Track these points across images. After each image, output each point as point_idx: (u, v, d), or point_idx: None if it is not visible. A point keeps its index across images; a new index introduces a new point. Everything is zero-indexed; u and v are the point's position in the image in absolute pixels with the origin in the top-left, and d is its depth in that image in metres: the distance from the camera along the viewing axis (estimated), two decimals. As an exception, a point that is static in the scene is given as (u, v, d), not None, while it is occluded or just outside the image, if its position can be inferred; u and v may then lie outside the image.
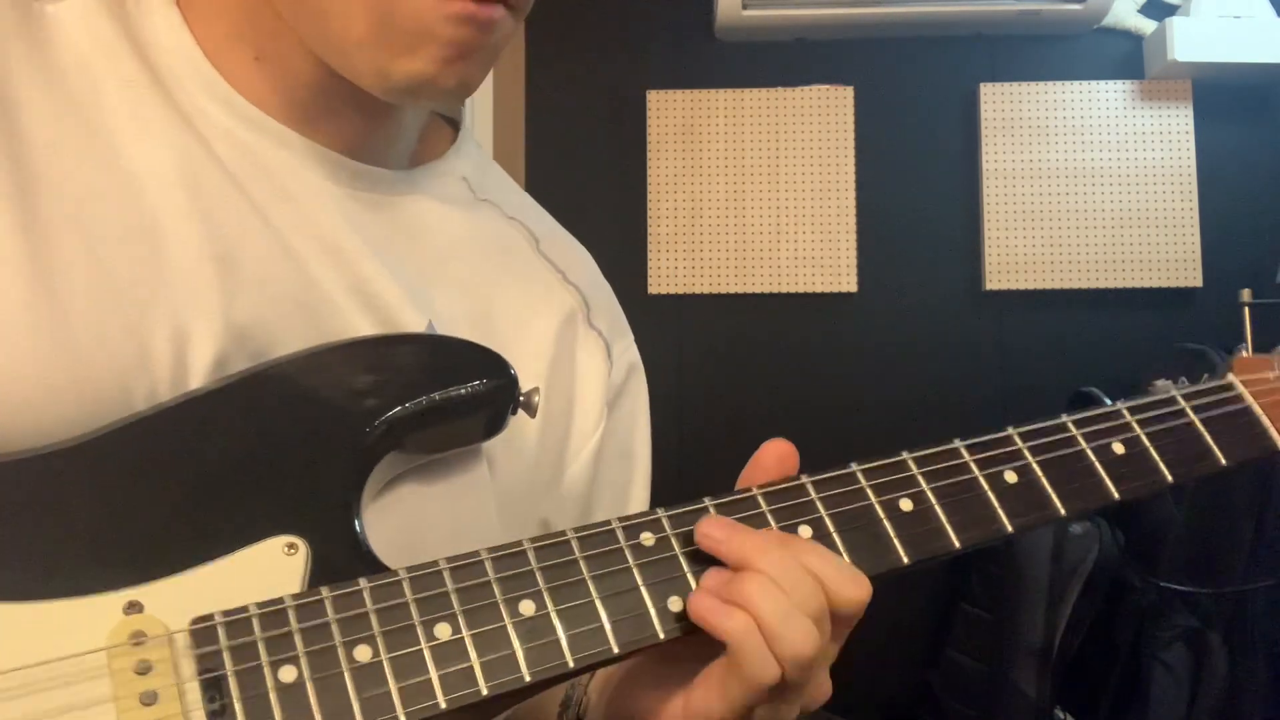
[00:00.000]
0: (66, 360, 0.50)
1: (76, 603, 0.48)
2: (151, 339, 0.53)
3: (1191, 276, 2.19)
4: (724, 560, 0.53)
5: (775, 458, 0.58)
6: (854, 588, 0.52)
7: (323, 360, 0.56)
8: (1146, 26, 2.22)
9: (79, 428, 0.50)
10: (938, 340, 2.24)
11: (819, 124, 2.25)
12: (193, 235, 0.55)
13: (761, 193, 2.25)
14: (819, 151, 2.25)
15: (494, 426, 0.59)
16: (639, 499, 0.75)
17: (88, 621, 0.47)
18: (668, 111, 2.25)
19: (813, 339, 2.25)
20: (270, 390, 0.54)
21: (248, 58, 0.59)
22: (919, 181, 2.26)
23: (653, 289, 2.22)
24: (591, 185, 2.21)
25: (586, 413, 0.70)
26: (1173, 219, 2.21)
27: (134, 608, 0.48)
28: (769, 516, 0.56)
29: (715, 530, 0.53)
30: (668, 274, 2.23)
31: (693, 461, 1.95)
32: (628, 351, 0.74)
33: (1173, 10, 2.19)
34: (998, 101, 2.23)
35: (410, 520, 0.57)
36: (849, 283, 2.23)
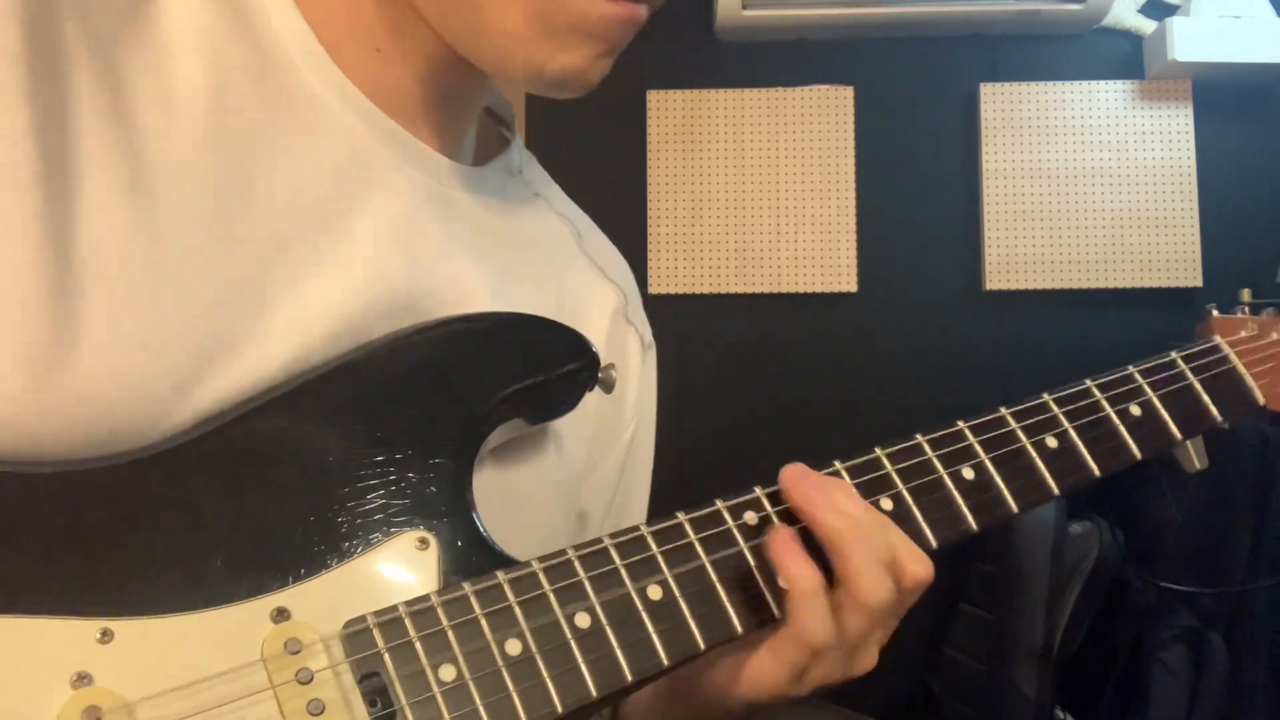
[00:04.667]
0: (193, 360, 0.49)
1: (224, 612, 0.46)
2: (271, 335, 0.52)
3: (1191, 276, 2.19)
4: (807, 510, 0.55)
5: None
6: (920, 566, 0.55)
7: (419, 344, 0.55)
8: (1146, 26, 2.22)
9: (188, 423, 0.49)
10: (938, 340, 2.23)
11: (819, 124, 2.25)
12: (307, 230, 0.54)
13: (761, 193, 2.25)
14: (819, 151, 2.25)
15: (569, 404, 0.60)
16: (644, 497, 0.77)
17: (239, 632, 0.46)
18: (668, 111, 2.25)
19: (813, 339, 2.25)
20: (372, 378, 0.53)
21: (369, 49, 0.58)
22: (919, 181, 2.26)
23: (653, 289, 2.22)
24: (591, 185, 2.20)
25: (626, 405, 0.72)
26: (1173, 219, 2.20)
27: (282, 614, 0.47)
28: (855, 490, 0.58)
29: (797, 474, 0.56)
30: (668, 274, 2.23)
31: (693, 460, 1.95)
32: (651, 351, 0.76)
33: (1173, 10, 2.19)
34: (998, 101, 2.23)
35: (484, 504, 0.57)
36: (849, 283, 2.23)
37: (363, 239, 0.56)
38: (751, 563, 0.55)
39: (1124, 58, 2.25)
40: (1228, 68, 2.13)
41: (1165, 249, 2.20)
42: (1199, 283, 2.19)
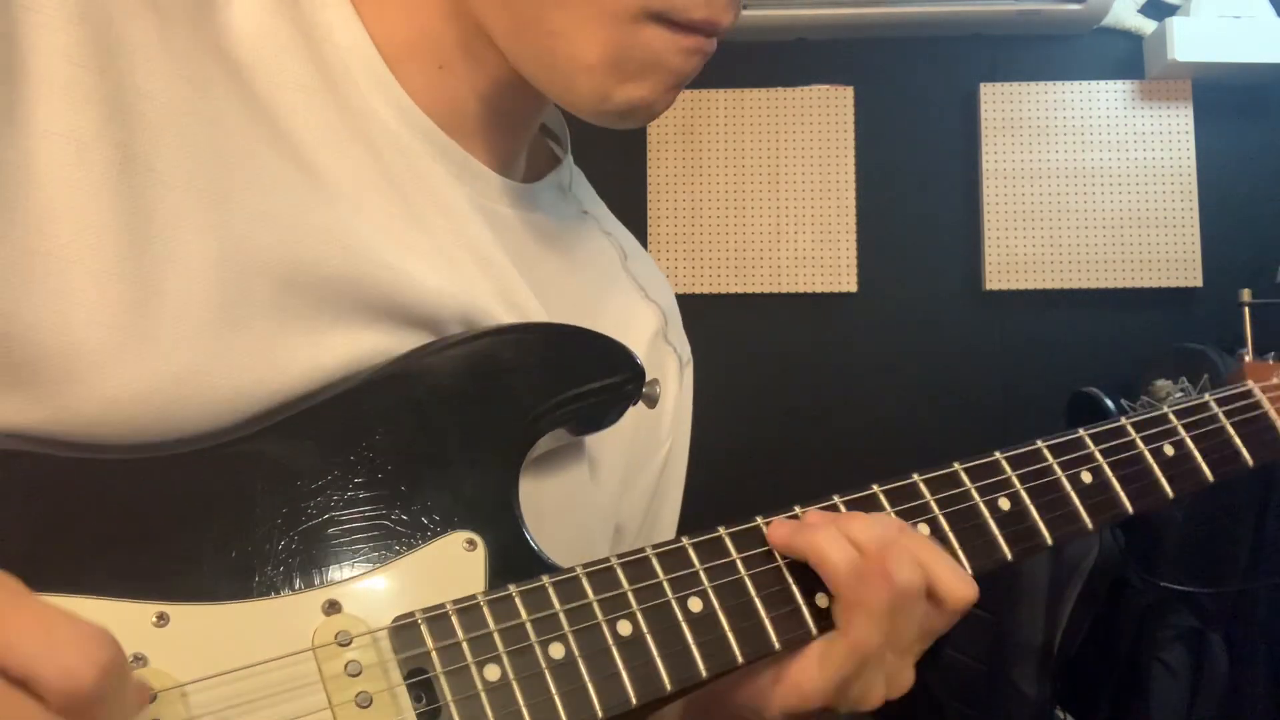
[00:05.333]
0: (255, 361, 0.50)
1: (277, 602, 0.47)
2: (329, 340, 0.52)
3: (1191, 276, 2.19)
4: (806, 556, 0.55)
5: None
6: (964, 586, 0.55)
7: (471, 350, 0.56)
8: (1146, 26, 2.22)
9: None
10: (938, 340, 2.24)
11: (819, 124, 2.25)
12: (371, 242, 0.55)
13: (761, 193, 2.25)
14: (819, 151, 2.25)
15: (614, 416, 0.61)
16: (674, 513, 0.77)
17: (291, 621, 0.47)
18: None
19: (813, 339, 2.25)
20: (425, 382, 0.54)
21: (431, 66, 0.58)
22: (919, 181, 2.26)
23: (653, 289, 2.22)
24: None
25: (663, 424, 0.73)
26: (1173, 219, 2.21)
27: (334, 607, 0.48)
28: (892, 516, 0.59)
29: (781, 530, 0.56)
30: (668, 274, 2.23)
31: (692, 461, 1.95)
32: (688, 369, 0.76)
33: (1173, 10, 2.19)
34: (998, 101, 2.23)
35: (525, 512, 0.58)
36: (849, 283, 2.23)
37: (413, 253, 0.57)
38: (790, 579, 0.56)
39: (1124, 58, 2.25)
40: (1228, 68, 2.13)
41: (1165, 249, 2.20)
42: (1199, 283, 2.19)
